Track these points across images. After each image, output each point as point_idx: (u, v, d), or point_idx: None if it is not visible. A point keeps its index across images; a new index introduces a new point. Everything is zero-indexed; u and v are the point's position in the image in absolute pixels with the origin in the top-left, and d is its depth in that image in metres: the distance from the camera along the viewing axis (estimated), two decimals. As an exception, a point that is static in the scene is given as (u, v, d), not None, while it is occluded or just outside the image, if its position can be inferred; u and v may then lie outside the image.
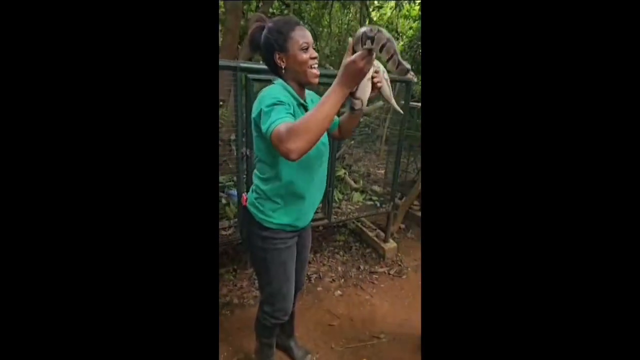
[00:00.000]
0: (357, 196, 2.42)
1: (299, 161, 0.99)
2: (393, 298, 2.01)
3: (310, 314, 1.84)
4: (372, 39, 0.74)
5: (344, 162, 3.09)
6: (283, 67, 1.04)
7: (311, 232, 1.41)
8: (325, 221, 2.03)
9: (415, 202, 2.83)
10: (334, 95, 0.80)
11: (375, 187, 2.71)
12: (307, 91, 1.17)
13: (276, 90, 1.00)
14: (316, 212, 2.05)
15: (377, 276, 2.19)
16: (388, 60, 0.78)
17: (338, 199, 2.34)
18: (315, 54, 1.00)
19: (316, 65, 1.01)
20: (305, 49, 0.99)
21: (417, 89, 4.36)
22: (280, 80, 1.07)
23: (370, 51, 0.76)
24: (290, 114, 0.90)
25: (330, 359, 1.59)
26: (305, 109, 1.07)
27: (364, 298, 2.00)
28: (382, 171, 3.59)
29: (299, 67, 1.00)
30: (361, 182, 2.70)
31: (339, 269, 2.23)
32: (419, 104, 2.89)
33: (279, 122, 0.85)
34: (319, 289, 2.04)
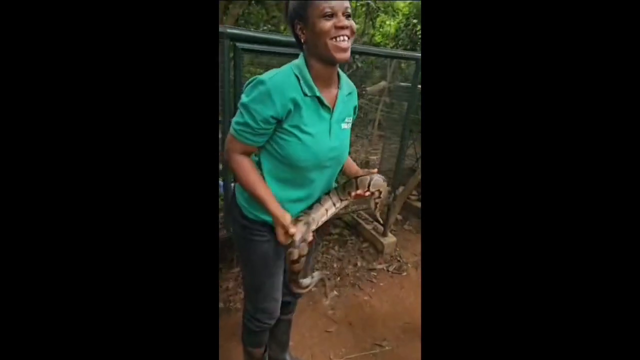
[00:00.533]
0: (354, 186, 2.22)
1: (289, 176, 0.89)
2: (394, 298, 1.86)
3: (305, 318, 1.66)
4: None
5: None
6: (303, 40, 0.80)
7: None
8: (322, 215, 1.82)
9: (413, 192, 2.67)
10: (266, 206, 0.85)
11: None
12: (345, 79, 0.92)
13: (274, 85, 0.77)
14: (312, 205, 1.85)
15: (375, 273, 2.03)
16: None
17: (334, 189, 2.14)
18: (345, 23, 0.75)
19: (344, 39, 0.76)
20: (329, 16, 0.75)
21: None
22: (299, 60, 0.84)
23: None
24: (261, 133, 0.82)
25: (330, 373, 1.43)
26: (322, 103, 0.83)
27: (362, 299, 1.83)
28: (375, 157, 3.41)
29: (317, 39, 0.77)
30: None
31: (334, 265, 2.05)
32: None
33: (236, 137, 0.83)
34: (313, 288, 1.86)
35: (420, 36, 4.52)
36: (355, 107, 0.97)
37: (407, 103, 2.30)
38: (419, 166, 2.72)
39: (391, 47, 4.38)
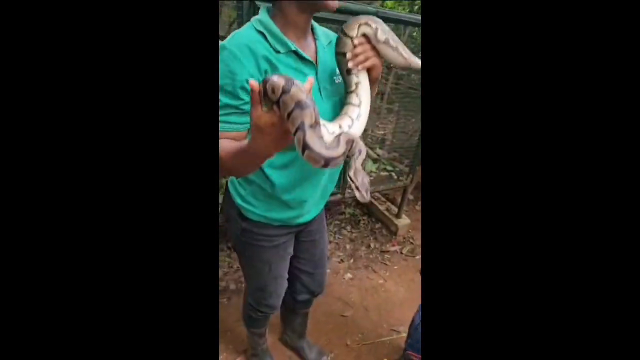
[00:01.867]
0: (369, 165, 2.11)
1: (293, 165, 0.76)
2: (408, 282, 1.81)
3: (320, 303, 1.60)
4: (278, 104, 0.48)
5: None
6: None
7: (324, 217, 1.08)
8: (339, 196, 1.73)
9: (427, 172, 2.58)
10: (246, 156, 0.57)
11: (379, 151, 2.40)
12: (318, 27, 0.76)
13: (237, 44, 0.63)
14: (328, 185, 1.75)
15: (389, 256, 1.97)
16: (294, 133, 0.50)
17: (349, 167, 2.03)
18: None
19: None
20: None
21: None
22: (260, 15, 0.68)
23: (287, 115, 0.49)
24: (237, 112, 0.65)
25: None
26: (302, 58, 0.68)
27: (377, 282, 1.79)
28: (382, 132, 3.27)
29: None
30: (378, 148, 2.37)
31: (347, 247, 1.99)
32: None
33: (223, 128, 0.64)
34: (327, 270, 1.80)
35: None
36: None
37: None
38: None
39: (405, 13, 4.11)
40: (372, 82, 0.72)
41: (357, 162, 0.59)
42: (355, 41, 0.65)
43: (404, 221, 2.11)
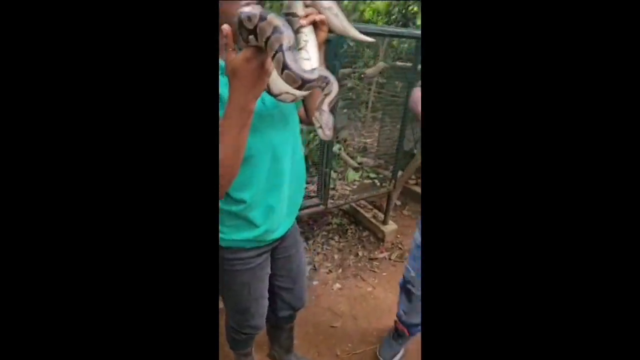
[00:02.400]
0: (352, 174, 2.14)
1: (256, 173, 0.77)
2: (397, 287, 1.81)
3: (309, 314, 1.61)
4: (255, 33, 0.50)
5: (338, 136, 2.76)
6: None
7: (298, 231, 1.08)
8: (322, 207, 1.75)
9: (412, 176, 2.61)
10: (227, 119, 0.56)
11: (361, 158, 2.43)
12: None
13: None
14: (310, 197, 1.77)
15: (377, 263, 1.98)
16: (272, 57, 0.52)
17: (332, 178, 2.06)
18: None
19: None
20: None
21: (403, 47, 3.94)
22: None
23: (258, 48, 0.52)
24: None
25: (337, 370, 1.39)
26: None
27: (365, 290, 1.79)
28: (369, 140, 3.32)
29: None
30: (358, 157, 2.41)
31: (335, 257, 2.00)
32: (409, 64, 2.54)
33: None
34: (315, 283, 1.81)
35: (413, 12, 4.33)
36: None
37: (402, 84, 2.20)
38: (417, 150, 2.65)
39: (382, 24, 4.21)
40: (319, 44, 0.72)
41: (323, 104, 0.61)
42: (307, 2, 0.69)
43: (390, 227, 2.13)
